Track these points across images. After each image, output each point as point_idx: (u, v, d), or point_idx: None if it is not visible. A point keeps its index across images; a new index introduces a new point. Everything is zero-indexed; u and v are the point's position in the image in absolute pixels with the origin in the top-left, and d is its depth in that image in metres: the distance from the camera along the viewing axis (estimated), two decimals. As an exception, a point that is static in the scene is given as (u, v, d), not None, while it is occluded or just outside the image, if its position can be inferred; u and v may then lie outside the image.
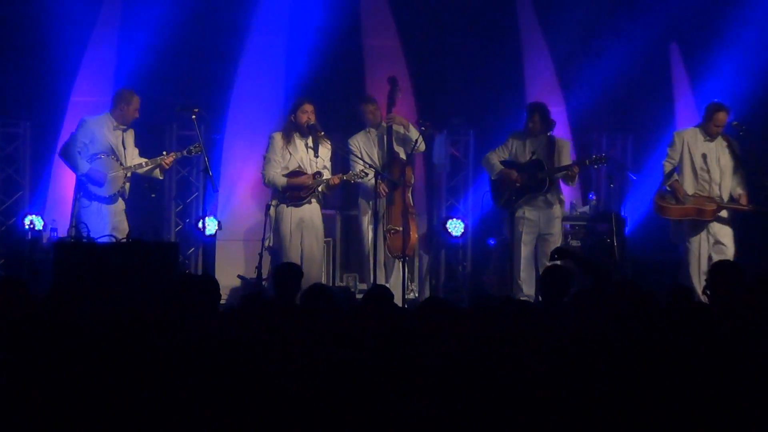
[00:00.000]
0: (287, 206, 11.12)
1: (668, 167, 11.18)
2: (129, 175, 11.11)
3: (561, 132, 12.15)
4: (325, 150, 11.28)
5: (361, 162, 11.25)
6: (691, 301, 7.02)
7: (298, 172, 11.13)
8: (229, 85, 12.89)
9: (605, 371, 4.58)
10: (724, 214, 11.10)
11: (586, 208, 12.73)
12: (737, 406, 4.46)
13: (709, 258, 10.90)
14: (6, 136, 12.72)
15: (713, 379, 4.57)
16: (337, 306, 6.46)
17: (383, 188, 11.25)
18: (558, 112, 12.66)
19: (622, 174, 12.91)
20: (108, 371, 4.58)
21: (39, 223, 12.03)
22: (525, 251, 11.30)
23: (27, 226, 12.03)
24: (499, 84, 13.57)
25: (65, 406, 4.40)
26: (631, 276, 11.54)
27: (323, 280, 11.46)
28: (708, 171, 11.09)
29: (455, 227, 12.60)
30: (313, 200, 11.19)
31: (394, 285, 11.03)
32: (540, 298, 9.16)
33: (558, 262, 7.99)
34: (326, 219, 11.66)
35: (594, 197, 12.88)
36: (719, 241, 11.05)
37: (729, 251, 11.01)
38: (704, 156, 11.08)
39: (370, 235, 11.42)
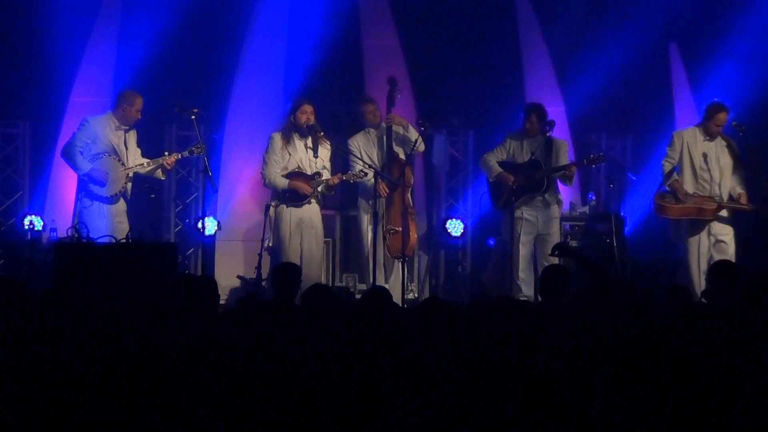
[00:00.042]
0: (287, 206, 11.12)
1: (667, 167, 11.18)
2: (131, 175, 11.11)
3: (560, 132, 12.15)
4: (325, 150, 11.28)
5: (360, 162, 11.25)
6: (688, 301, 7.02)
7: (297, 173, 11.13)
8: (229, 86, 12.89)
9: (604, 371, 4.58)
10: (724, 213, 11.10)
11: (586, 209, 12.73)
12: (736, 405, 4.46)
13: (711, 257, 10.90)
14: (5, 136, 12.72)
15: (712, 379, 4.57)
16: (338, 306, 6.45)
17: (383, 188, 11.25)
18: (557, 113, 12.67)
19: (622, 174, 12.91)
20: (107, 371, 4.58)
21: (38, 224, 12.03)
22: (523, 251, 11.30)
23: (26, 227, 12.03)
24: (499, 84, 13.58)
25: (64, 406, 4.40)
26: (631, 276, 11.54)
27: (323, 281, 11.46)
28: (708, 170, 11.09)
29: (455, 227, 12.61)
30: (313, 201, 11.19)
31: (394, 285, 11.04)
32: (539, 298, 9.16)
33: (557, 261, 8.01)
34: (326, 219, 11.66)
35: (593, 197, 12.89)
36: (720, 240, 11.05)
37: (730, 250, 11.01)
38: (705, 155, 11.08)
39: (370, 235, 11.42)
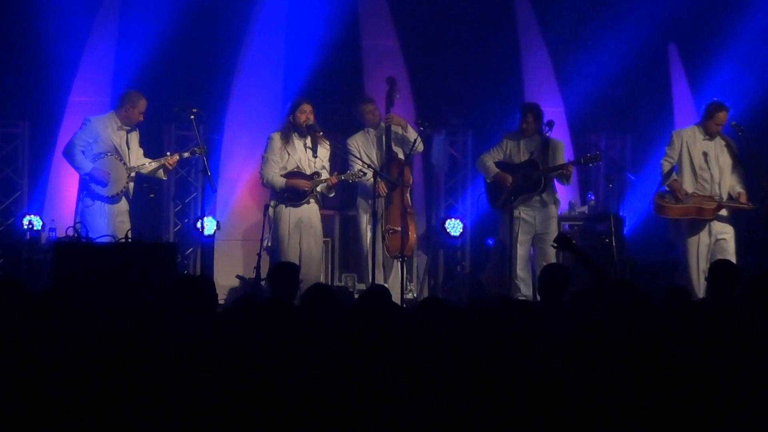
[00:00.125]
0: (286, 206, 11.12)
1: (667, 166, 11.18)
2: (133, 175, 11.12)
3: (560, 132, 12.15)
4: (324, 150, 11.29)
5: (359, 162, 11.26)
6: (688, 300, 7.02)
7: (296, 173, 11.13)
8: (228, 85, 12.89)
9: (604, 371, 4.58)
10: (724, 212, 11.10)
11: (585, 208, 12.73)
12: (736, 405, 4.46)
13: (712, 256, 10.90)
14: (4, 136, 12.71)
15: (712, 378, 4.57)
16: (338, 306, 6.45)
17: (382, 188, 11.25)
18: (557, 113, 12.67)
19: (621, 174, 12.92)
20: (105, 371, 4.58)
21: (38, 223, 12.03)
22: (521, 251, 11.31)
23: (25, 226, 12.02)
24: (498, 84, 13.58)
25: (63, 406, 4.40)
26: (630, 276, 11.54)
27: (322, 281, 11.46)
28: (708, 170, 11.09)
29: (454, 227, 12.61)
30: (312, 200, 11.20)
31: (393, 285, 11.04)
32: (538, 298, 9.17)
33: (555, 261, 8.00)
34: (325, 219, 11.66)
35: (593, 197, 12.89)
36: (721, 239, 11.05)
37: (730, 248, 11.01)
38: (705, 154, 11.08)
39: (369, 235, 11.43)
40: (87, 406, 4.39)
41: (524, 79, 13.60)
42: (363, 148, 11.51)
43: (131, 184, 11.14)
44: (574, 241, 8.07)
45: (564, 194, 12.20)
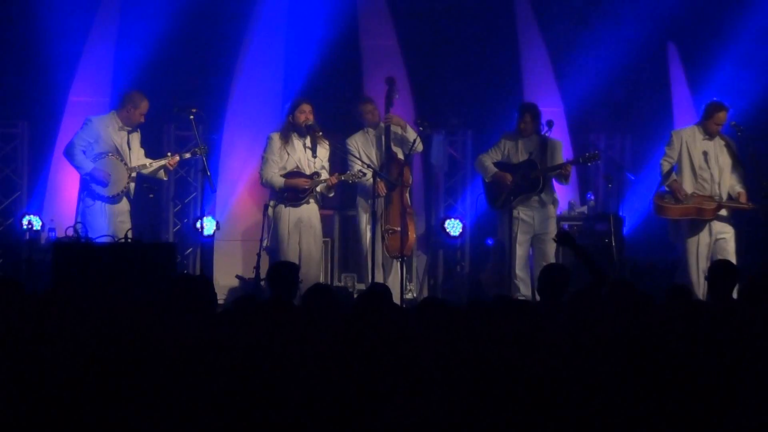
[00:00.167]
0: (285, 206, 11.12)
1: (666, 166, 11.17)
2: (134, 175, 11.12)
3: (559, 132, 12.15)
4: (324, 150, 11.29)
5: (359, 162, 11.26)
6: (689, 300, 7.01)
7: (296, 173, 11.13)
8: (228, 85, 12.89)
9: (603, 370, 4.58)
10: (724, 212, 11.10)
11: (584, 208, 12.73)
12: (735, 405, 4.46)
13: (712, 256, 10.90)
14: (4, 136, 12.71)
15: (712, 378, 4.57)
16: (338, 306, 6.45)
17: (382, 188, 11.25)
18: (556, 113, 12.67)
19: (620, 174, 12.91)
20: (105, 372, 4.57)
21: (37, 223, 12.03)
22: (520, 251, 11.30)
23: (25, 227, 12.02)
24: (497, 84, 13.57)
25: (63, 406, 4.40)
26: (629, 276, 11.54)
27: (321, 281, 11.46)
28: (708, 169, 11.08)
29: (453, 227, 12.61)
30: (312, 200, 11.20)
31: (393, 285, 11.02)
32: (537, 298, 9.17)
33: (554, 261, 8.00)
34: (324, 219, 11.66)
35: (592, 197, 12.88)
36: (720, 239, 11.05)
37: (730, 248, 11.01)
38: (705, 153, 11.08)
39: (369, 235, 11.43)
40: (87, 406, 4.39)
41: (524, 78, 13.59)
42: (362, 148, 11.51)
43: (132, 185, 11.14)
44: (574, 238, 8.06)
45: (563, 194, 12.19)
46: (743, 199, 11.06)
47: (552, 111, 12.28)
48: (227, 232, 12.51)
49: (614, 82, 13.42)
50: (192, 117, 10.94)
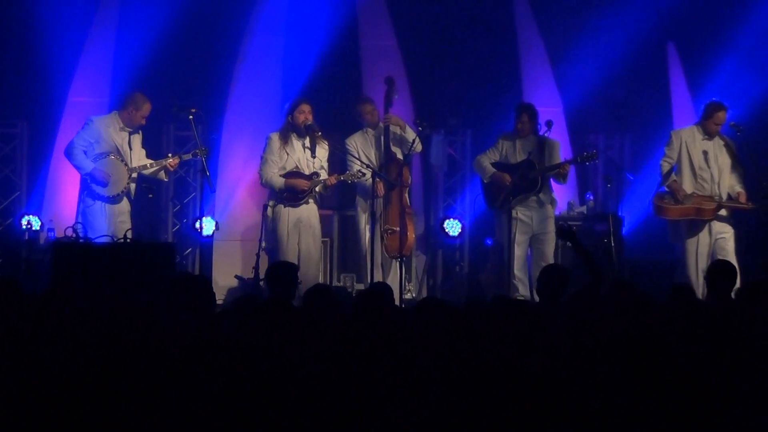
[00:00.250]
0: (284, 206, 11.13)
1: (666, 167, 11.17)
2: (134, 175, 11.12)
3: (558, 132, 12.14)
4: (323, 150, 11.29)
5: (358, 162, 11.26)
6: (691, 299, 7.01)
7: (295, 173, 11.13)
8: (227, 86, 12.88)
9: (602, 371, 4.58)
10: (723, 212, 11.10)
11: (584, 209, 12.73)
12: (735, 405, 4.45)
13: (712, 255, 10.90)
14: (3, 136, 12.71)
15: (712, 378, 4.57)
16: (338, 306, 6.45)
17: (381, 188, 11.26)
18: (555, 113, 12.67)
19: (620, 174, 12.90)
20: (104, 372, 4.57)
21: (36, 224, 12.03)
22: (519, 251, 11.30)
23: (24, 227, 12.02)
24: (497, 84, 13.57)
25: (62, 406, 4.40)
26: (629, 276, 11.54)
27: (320, 281, 11.46)
28: (708, 169, 11.08)
29: (452, 227, 12.61)
30: (311, 200, 11.20)
31: (392, 285, 10.96)
32: (536, 298, 9.17)
33: (553, 261, 8.00)
34: (323, 219, 11.66)
35: (591, 197, 12.88)
36: (720, 238, 11.05)
37: (730, 248, 11.00)
38: (705, 153, 11.08)
39: (368, 235, 11.43)
40: (86, 406, 4.39)
41: (523, 79, 13.59)
42: (362, 149, 11.51)
43: (133, 185, 11.15)
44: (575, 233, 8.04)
45: (563, 194, 12.19)
46: (743, 199, 11.06)
47: (551, 111, 12.27)
48: (226, 232, 12.51)
49: (613, 82, 13.42)
50: (191, 117, 10.94)
